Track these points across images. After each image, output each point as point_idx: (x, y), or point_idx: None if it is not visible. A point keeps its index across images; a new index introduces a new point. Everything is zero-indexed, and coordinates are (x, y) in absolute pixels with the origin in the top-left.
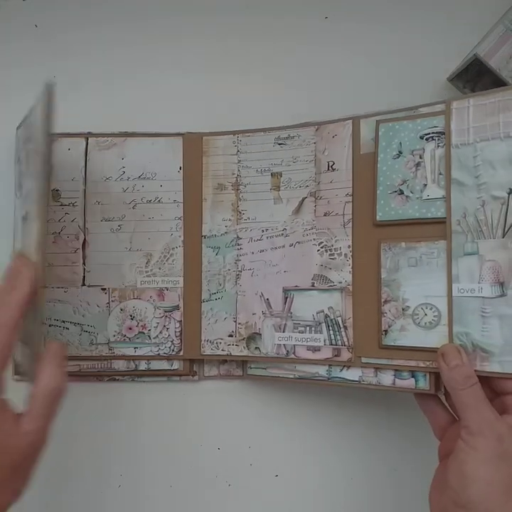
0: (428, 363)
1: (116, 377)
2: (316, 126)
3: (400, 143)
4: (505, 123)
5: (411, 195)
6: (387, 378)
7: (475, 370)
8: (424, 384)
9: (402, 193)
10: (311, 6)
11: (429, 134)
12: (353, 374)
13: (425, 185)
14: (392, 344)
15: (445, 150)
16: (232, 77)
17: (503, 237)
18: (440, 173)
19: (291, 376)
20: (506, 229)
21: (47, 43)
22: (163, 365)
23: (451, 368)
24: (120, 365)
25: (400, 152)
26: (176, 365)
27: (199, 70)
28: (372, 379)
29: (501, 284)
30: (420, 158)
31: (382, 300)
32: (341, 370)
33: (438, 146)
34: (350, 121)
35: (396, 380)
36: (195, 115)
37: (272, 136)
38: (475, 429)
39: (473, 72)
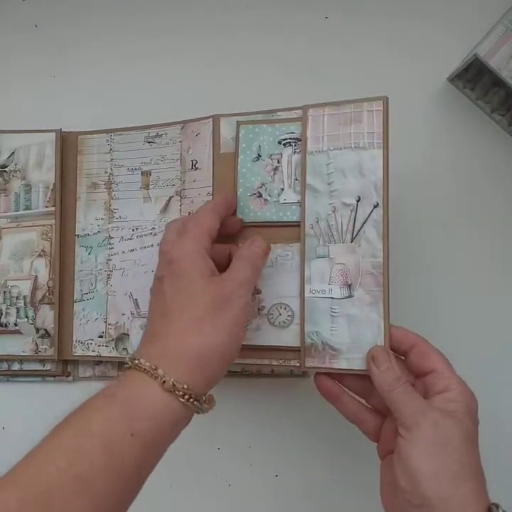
0: (281, 361)
1: None
2: (182, 125)
3: (260, 146)
4: (355, 134)
5: (269, 198)
6: (266, 367)
7: (323, 367)
8: (297, 370)
9: (260, 195)
10: (311, 6)
11: (286, 139)
12: (234, 366)
13: (282, 189)
14: (248, 343)
15: (301, 156)
16: (232, 76)
17: (352, 242)
18: (296, 179)
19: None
20: (354, 234)
21: (47, 43)
22: (36, 365)
23: (382, 372)
24: None
25: (260, 155)
26: (48, 365)
27: (199, 66)
28: (253, 368)
29: (349, 286)
30: (278, 162)
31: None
32: None
33: (295, 151)
34: (211, 119)
35: (274, 368)
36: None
37: (142, 134)
38: (410, 423)
39: (473, 72)
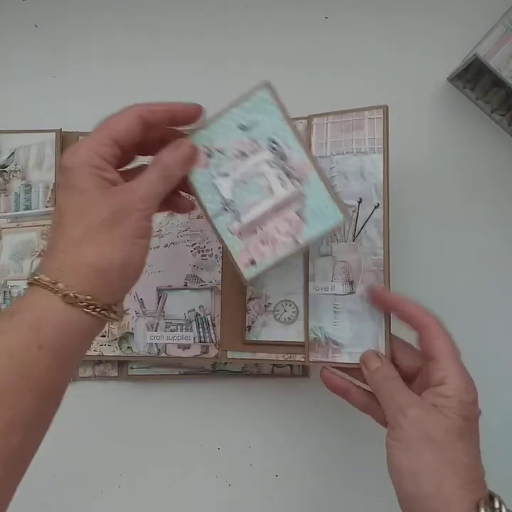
0: (286, 356)
1: None
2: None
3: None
4: (357, 140)
5: None
6: (266, 367)
7: (326, 361)
8: (297, 370)
9: None
10: (311, 6)
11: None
12: (235, 366)
13: None
14: (255, 339)
15: None
16: (231, 74)
17: (354, 241)
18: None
19: (177, 373)
20: (356, 233)
21: (47, 43)
22: None
23: (372, 372)
24: None
25: None
26: None
27: (199, 66)
28: (253, 369)
29: (351, 283)
30: None
31: (247, 297)
32: (225, 363)
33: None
34: None
35: (274, 368)
36: None
37: None
38: (392, 421)
39: (473, 72)
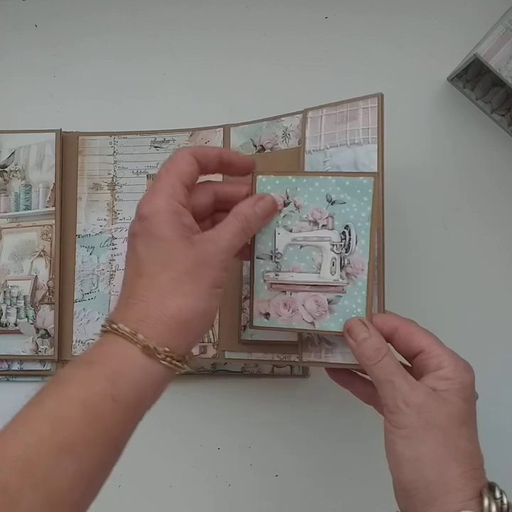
0: (282, 357)
1: None
2: (191, 132)
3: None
4: (351, 131)
5: None
6: (266, 367)
7: (320, 362)
8: (297, 370)
9: None
10: (311, 6)
11: None
12: (235, 366)
13: None
14: (250, 338)
15: (300, 156)
16: (232, 75)
17: None
18: None
19: (176, 372)
20: None
21: (47, 43)
22: (36, 365)
23: (359, 343)
24: None
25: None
26: (48, 366)
27: (199, 66)
28: (253, 369)
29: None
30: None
31: (242, 296)
32: (225, 363)
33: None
34: (222, 128)
35: (274, 368)
36: (196, 112)
37: (148, 139)
38: (392, 405)
39: (473, 72)
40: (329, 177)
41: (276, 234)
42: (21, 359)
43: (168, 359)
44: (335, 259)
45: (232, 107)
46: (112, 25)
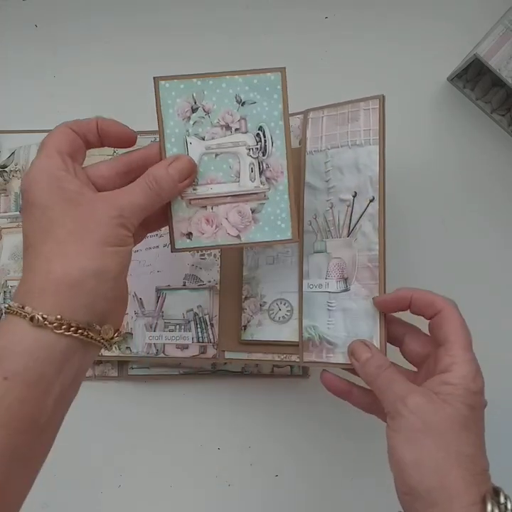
0: (282, 357)
1: None
2: None
3: None
4: (352, 132)
5: None
6: (266, 367)
7: (320, 362)
8: (297, 370)
9: None
10: (311, 6)
11: None
12: (235, 366)
13: None
14: (250, 338)
15: (301, 156)
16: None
17: (348, 236)
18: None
19: (176, 373)
20: (351, 229)
21: (47, 43)
22: None
23: (362, 364)
24: None
25: None
26: None
27: (199, 66)
28: (253, 369)
29: (345, 280)
30: None
31: (243, 297)
32: (225, 363)
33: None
34: None
35: (274, 368)
36: None
37: (148, 139)
38: (392, 411)
39: (473, 72)
40: (236, 76)
41: (188, 144)
42: None
43: (65, 327)
44: (253, 164)
45: None
46: (112, 26)
